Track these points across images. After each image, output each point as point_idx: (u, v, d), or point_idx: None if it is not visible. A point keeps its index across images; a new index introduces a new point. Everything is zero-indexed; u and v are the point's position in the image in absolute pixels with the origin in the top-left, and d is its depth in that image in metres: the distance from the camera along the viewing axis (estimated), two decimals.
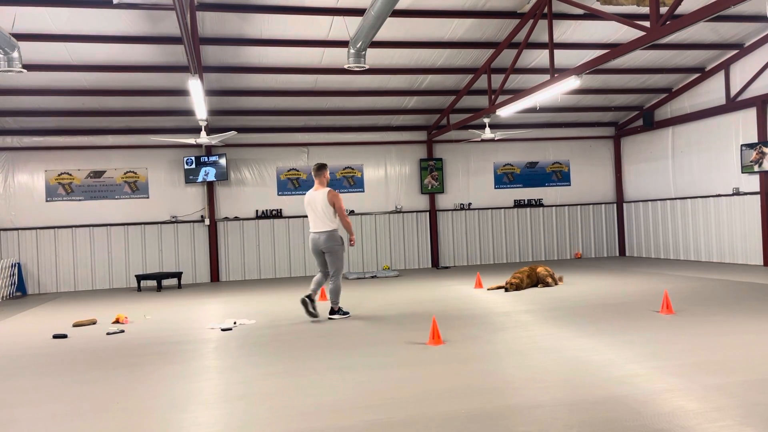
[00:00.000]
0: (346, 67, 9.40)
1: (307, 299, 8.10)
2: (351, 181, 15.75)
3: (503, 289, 10.29)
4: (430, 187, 16.02)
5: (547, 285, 10.50)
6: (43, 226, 14.11)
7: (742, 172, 12.95)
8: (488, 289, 10.50)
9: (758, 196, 12.74)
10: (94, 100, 12.75)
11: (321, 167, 8.37)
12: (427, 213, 16.10)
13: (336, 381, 5.01)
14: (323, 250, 8.17)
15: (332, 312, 8.29)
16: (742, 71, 13.03)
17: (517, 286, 10.21)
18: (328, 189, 8.22)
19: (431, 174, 16.04)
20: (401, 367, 5.37)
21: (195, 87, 9.80)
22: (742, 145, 12.92)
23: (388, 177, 16.00)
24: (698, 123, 14.30)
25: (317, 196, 8.20)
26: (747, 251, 13.14)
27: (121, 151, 14.54)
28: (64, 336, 7.70)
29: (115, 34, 10.24)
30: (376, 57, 11.62)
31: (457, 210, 16.29)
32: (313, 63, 11.97)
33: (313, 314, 8.10)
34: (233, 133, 12.59)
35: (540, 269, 10.68)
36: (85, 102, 12.85)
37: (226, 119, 14.39)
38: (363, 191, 15.79)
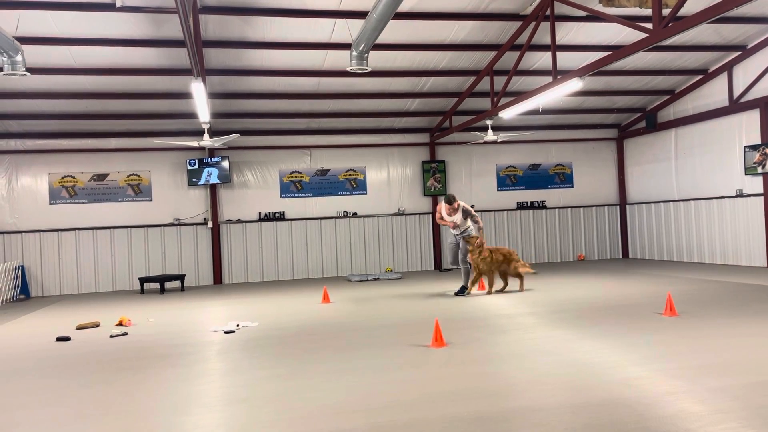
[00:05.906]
0: (348, 69, 9.39)
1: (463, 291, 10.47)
2: (354, 184, 15.75)
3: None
4: (432, 190, 16.01)
5: (518, 276, 10.41)
6: (46, 229, 14.14)
7: (746, 174, 12.92)
8: (487, 293, 10.47)
9: (761, 198, 12.71)
10: (97, 103, 12.78)
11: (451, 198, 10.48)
12: (430, 215, 16.09)
13: (339, 383, 5.01)
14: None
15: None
16: (745, 73, 13.00)
17: (481, 251, 10.03)
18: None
19: (434, 176, 16.04)
20: (404, 370, 5.37)
21: (198, 90, 9.82)
22: (745, 147, 12.89)
23: (390, 179, 16.00)
24: (701, 125, 14.27)
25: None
26: (750, 253, 13.11)
27: (124, 154, 14.57)
28: (68, 339, 7.72)
29: (118, 38, 10.27)
30: (378, 59, 11.63)
31: None
32: (316, 66, 11.98)
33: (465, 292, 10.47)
34: (236, 135, 12.62)
35: (516, 265, 10.43)
36: (88, 105, 12.88)
37: (228, 122, 14.41)
38: (366, 193, 15.79)
